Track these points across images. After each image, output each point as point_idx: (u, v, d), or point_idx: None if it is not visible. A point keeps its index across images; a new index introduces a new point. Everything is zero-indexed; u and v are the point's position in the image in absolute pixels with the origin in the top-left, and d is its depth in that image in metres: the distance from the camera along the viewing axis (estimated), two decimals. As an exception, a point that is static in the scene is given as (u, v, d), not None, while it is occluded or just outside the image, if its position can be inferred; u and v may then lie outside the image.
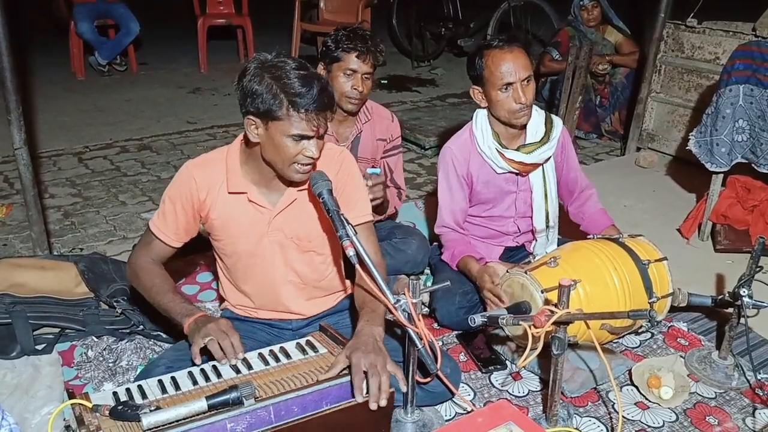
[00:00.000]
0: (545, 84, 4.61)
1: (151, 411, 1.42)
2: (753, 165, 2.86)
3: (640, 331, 2.33)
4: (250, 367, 1.67)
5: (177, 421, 1.40)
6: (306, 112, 1.63)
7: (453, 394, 1.90)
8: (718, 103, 2.86)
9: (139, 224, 3.25)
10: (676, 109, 4.03)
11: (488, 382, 2.11)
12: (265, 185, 1.83)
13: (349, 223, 1.65)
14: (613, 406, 2.00)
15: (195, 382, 1.60)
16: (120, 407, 1.45)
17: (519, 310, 1.99)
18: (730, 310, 2.09)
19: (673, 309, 2.25)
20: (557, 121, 2.38)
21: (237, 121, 1.68)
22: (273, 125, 1.66)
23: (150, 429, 1.38)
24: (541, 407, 1.99)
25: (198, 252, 2.55)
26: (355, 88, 2.37)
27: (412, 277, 2.53)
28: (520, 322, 1.72)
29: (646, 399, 2.02)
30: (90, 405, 1.47)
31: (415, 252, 2.55)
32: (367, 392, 1.53)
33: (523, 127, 2.29)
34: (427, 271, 2.69)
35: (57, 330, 2.22)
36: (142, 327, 2.26)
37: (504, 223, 2.47)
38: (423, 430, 1.83)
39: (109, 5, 5.86)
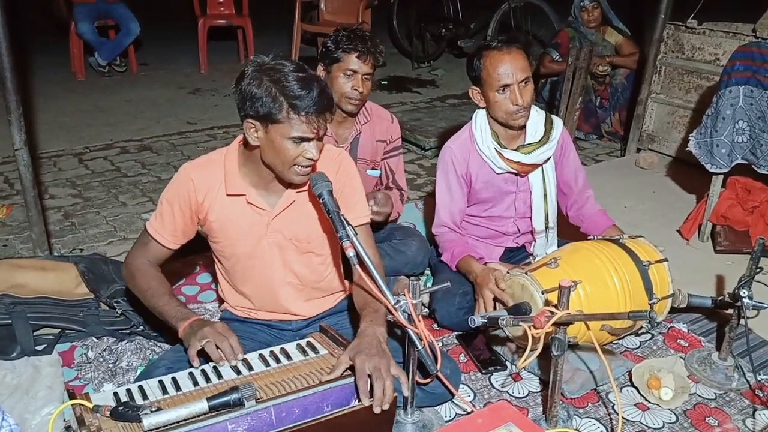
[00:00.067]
0: (545, 85, 4.62)
1: (152, 412, 1.42)
2: (753, 166, 2.86)
3: (640, 332, 2.33)
4: (250, 368, 1.67)
5: (178, 422, 1.40)
6: (306, 115, 1.63)
7: (453, 395, 1.90)
8: (718, 104, 2.86)
9: (140, 225, 3.25)
10: (676, 110, 4.03)
11: (488, 383, 2.11)
12: (264, 187, 1.83)
13: (349, 224, 1.66)
14: (613, 407, 2.00)
15: (196, 383, 1.61)
16: (121, 408, 1.45)
17: (519, 310, 1.99)
18: (730, 311, 2.09)
19: (673, 310, 2.25)
20: (557, 121, 2.38)
21: (237, 122, 1.68)
22: (273, 128, 1.66)
23: (151, 430, 1.38)
24: (541, 408, 1.99)
25: (197, 253, 2.56)
26: (355, 89, 2.37)
27: (411, 278, 2.54)
28: (520, 323, 1.72)
29: (646, 400, 2.02)
30: (91, 405, 1.47)
31: (415, 253, 2.55)
32: (372, 395, 1.53)
33: (522, 127, 2.29)
34: (427, 272, 2.69)
35: (57, 331, 2.22)
36: (142, 328, 2.26)
37: (503, 224, 2.47)
38: (423, 431, 1.83)
39: (110, 5, 5.86)
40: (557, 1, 5.55)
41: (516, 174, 2.36)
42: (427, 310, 2.42)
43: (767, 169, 2.81)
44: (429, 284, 2.61)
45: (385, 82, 6.22)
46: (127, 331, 2.27)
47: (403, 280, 2.54)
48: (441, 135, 4.29)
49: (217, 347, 1.67)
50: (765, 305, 2.04)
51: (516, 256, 2.56)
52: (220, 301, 2.13)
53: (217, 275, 2.05)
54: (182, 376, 1.63)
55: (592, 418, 1.96)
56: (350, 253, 1.61)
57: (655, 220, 3.34)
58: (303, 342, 1.80)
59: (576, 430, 1.91)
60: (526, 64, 2.19)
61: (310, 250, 1.92)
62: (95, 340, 2.24)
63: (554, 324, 1.65)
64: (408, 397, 1.80)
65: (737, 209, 2.96)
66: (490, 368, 2.15)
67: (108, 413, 1.45)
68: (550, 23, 5.57)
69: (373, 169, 2.60)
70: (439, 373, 1.69)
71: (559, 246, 2.49)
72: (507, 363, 2.18)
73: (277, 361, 1.71)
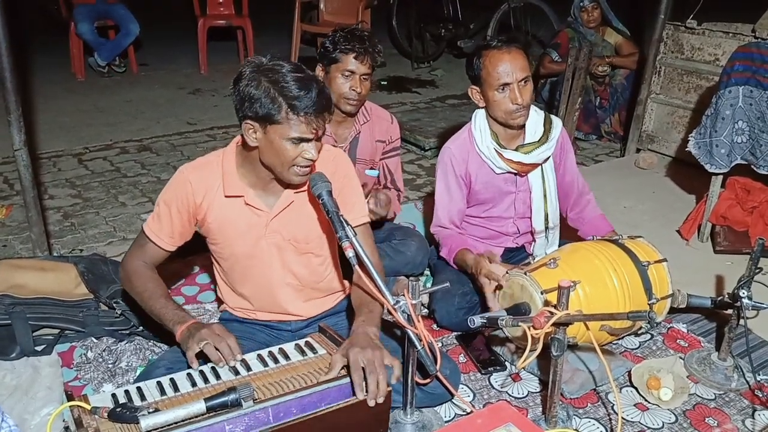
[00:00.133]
0: (545, 85, 4.62)
1: (149, 413, 1.42)
2: (752, 166, 2.86)
3: (639, 332, 2.33)
4: (248, 368, 1.67)
5: (175, 423, 1.40)
6: (305, 115, 1.63)
7: (452, 396, 1.90)
8: (718, 105, 2.86)
9: (139, 225, 3.25)
10: (676, 110, 4.03)
11: (488, 383, 2.11)
12: (262, 188, 1.83)
13: (348, 224, 1.66)
14: (612, 407, 2.00)
15: (194, 384, 1.60)
16: (118, 409, 1.45)
17: (518, 311, 1.99)
18: (730, 311, 2.09)
19: (673, 310, 2.25)
20: (556, 121, 2.38)
21: (237, 122, 1.68)
22: (272, 129, 1.66)
23: (148, 431, 1.38)
24: (541, 408, 1.99)
25: (196, 253, 2.56)
26: (353, 89, 2.37)
27: (411, 278, 2.56)
28: (520, 323, 1.72)
29: (646, 400, 2.02)
30: (89, 407, 1.47)
31: (415, 253, 2.55)
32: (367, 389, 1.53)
33: (521, 127, 2.29)
34: (427, 272, 2.69)
35: (57, 331, 2.22)
36: (141, 328, 2.26)
37: (503, 224, 2.47)
38: (422, 431, 1.84)
39: (109, 6, 5.87)
40: (557, 2, 5.55)
41: (515, 174, 2.36)
42: (426, 310, 2.41)
43: (767, 170, 2.81)
44: (428, 285, 2.61)
45: (385, 83, 6.23)
46: (127, 332, 2.27)
47: (403, 281, 2.54)
48: (440, 135, 4.30)
49: (216, 349, 1.67)
50: (764, 305, 2.04)
51: (516, 256, 2.55)
52: (219, 302, 2.13)
53: (215, 276, 2.05)
54: (180, 377, 1.63)
55: (591, 418, 1.96)
56: (349, 253, 1.61)
57: (654, 220, 3.34)
58: (302, 342, 1.80)
59: (575, 430, 1.91)
60: (526, 63, 2.19)
61: (309, 251, 1.92)
62: (95, 340, 2.24)
63: (553, 324, 1.65)
64: (407, 398, 1.80)
65: (737, 209, 2.96)
66: (489, 368, 2.15)
67: (106, 415, 1.45)
68: (550, 24, 5.56)
69: (371, 168, 2.60)
70: (438, 374, 1.69)
71: (559, 246, 2.49)
72: (506, 363, 2.18)
73: (276, 361, 1.71)
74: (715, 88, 2.96)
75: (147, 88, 5.87)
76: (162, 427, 1.39)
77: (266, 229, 1.86)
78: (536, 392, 2.07)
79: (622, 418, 1.94)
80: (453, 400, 1.96)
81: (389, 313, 1.62)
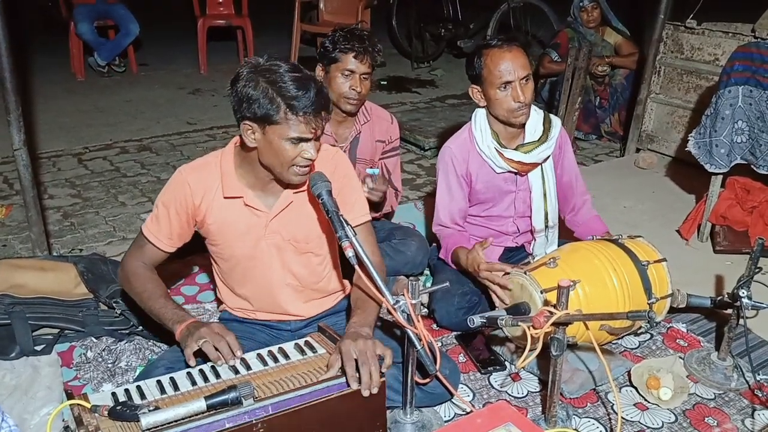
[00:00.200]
0: (545, 85, 4.62)
1: (149, 411, 1.42)
2: (752, 166, 2.86)
3: (639, 332, 2.33)
4: (248, 367, 1.67)
5: (176, 421, 1.40)
6: (304, 115, 1.63)
7: (452, 395, 1.90)
8: (718, 105, 2.86)
9: (139, 225, 3.24)
10: (676, 110, 4.03)
11: (487, 383, 2.11)
12: (261, 188, 1.83)
13: (348, 224, 1.65)
14: (612, 407, 2.00)
15: (194, 383, 1.60)
16: (119, 407, 1.45)
17: (518, 310, 1.99)
18: (730, 311, 2.09)
19: (673, 310, 2.25)
20: (556, 120, 2.38)
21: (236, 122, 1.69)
22: (270, 129, 1.66)
23: (149, 429, 1.38)
24: (540, 408, 1.99)
25: (195, 253, 2.56)
26: (353, 89, 2.37)
27: (411, 278, 2.56)
28: (519, 323, 1.72)
29: (645, 400, 2.02)
30: (89, 405, 1.47)
31: (415, 253, 2.56)
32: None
33: (522, 126, 2.29)
34: (427, 272, 2.69)
35: (56, 331, 2.22)
36: (141, 328, 2.26)
37: (503, 223, 2.47)
38: (422, 431, 1.83)
39: (109, 6, 5.87)
40: (557, 2, 5.55)
41: (516, 173, 2.36)
42: (426, 310, 2.41)
43: (766, 169, 2.81)
44: (428, 284, 2.61)
45: (385, 83, 6.23)
46: (126, 332, 2.27)
47: (403, 280, 2.54)
48: (440, 135, 4.30)
49: (215, 348, 1.67)
50: (764, 305, 2.04)
51: (515, 255, 2.56)
52: (219, 302, 2.13)
53: (214, 277, 2.05)
54: (180, 376, 1.63)
55: (591, 418, 1.96)
56: (349, 253, 1.61)
57: (654, 220, 3.34)
58: (301, 341, 1.80)
59: (575, 430, 1.91)
60: (527, 61, 2.20)
61: (308, 251, 1.92)
62: (94, 340, 2.24)
63: (553, 324, 1.65)
64: (407, 397, 1.80)
65: (736, 209, 2.97)
66: (489, 368, 2.15)
67: (106, 413, 1.45)
68: (550, 24, 5.57)
69: (371, 168, 2.60)
70: (438, 373, 1.69)
71: (559, 246, 2.49)
72: (506, 363, 2.18)
73: (275, 360, 1.71)
74: (715, 87, 2.96)
75: (147, 88, 5.87)
76: (162, 425, 1.38)
77: (266, 229, 1.85)
78: (536, 392, 2.07)
79: (622, 417, 1.94)
80: (453, 400, 1.96)
81: (389, 312, 1.62)
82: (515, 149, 2.30)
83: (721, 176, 2.96)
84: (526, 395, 2.06)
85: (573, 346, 2.08)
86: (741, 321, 1.99)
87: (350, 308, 1.90)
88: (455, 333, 2.34)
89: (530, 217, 2.43)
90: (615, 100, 4.55)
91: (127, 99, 5.49)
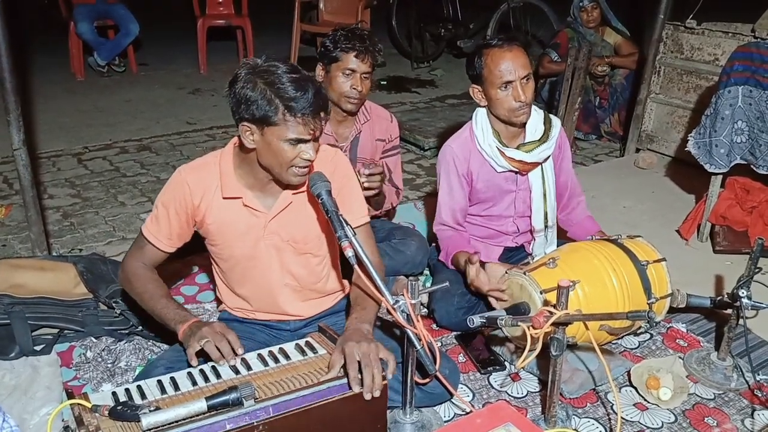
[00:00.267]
0: (544, 85, 4.62)
1: (150, 411, 1.42)
2: (752, 166, 2.86)
3: (638, 332, 2.33)
4: (249, 368, 1.67)
5: (176, 421, 1.39)
6: (302, 116, 1.63)
7: (452, 395, 1.90)
8: (717, 105, 2.86)
9: (138, 225, 3.24)
10: (676, 110, 4.03)
11: (487, 383, 2.11)
12: (260, 189, 1.83)
13: (347, 224, 1.65)
14: (611, 407, 2.00)
15: (194, 383, 1.60)
16: (119, 407, 1.45)
17: (518, 310, 1.99)
18: (729, 311, 2.09)
19: (672, 310, 2.25)
20: (555, 120, 2.38)
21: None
22: (269, 130, 1.65)
23: (149, 429, 1.38)
24: (540, 408, 1.99)
25: (195, 253, 2.56)
26: (354, 88, 2.37)
27: (411, 277, 2.56)
28: (519, 323, 1.72)
29: (645, 400, 2.02)
30: (89, 405, 1.47)
31: (414, 253, 2.56)
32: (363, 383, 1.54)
33: (523, 125, 2.30)
34: (426, 272, 2.69)
35: (56, 331, 2.22)
36: (141, 328, 2.26)
37: (503, 223, 2.47)
38: (422, 431, 1.83)
39: (109, 6, 5.87)
40: (556, 2, 5.55)
41: (516, 173, 2.36)
42: (426, 310, 2.42)
43: (766, 170, 2.81)
44: (428, 284, 2.61)
45: (385, 82, 6.23)
46: (126, 331, 2.27)
47: (402, 280, 2.54)
48: (440, 135, 4.30)
49: (217, 347, 1.67)
50: (764, 305, 2.04)
51: (515, 255, 2.56)
52: (218, 302, 2.13)
53: (214, 277, 2.05)
54: (181, 376, 1.63)
55: (590, 418, 1.96)
56: (349, 253, 1.61)
57: (654, 220, 3.34)
58: (302, 342, 1.80)
59: (575, 430, 1.91)
60: (527, 61, 2.20)
61: (307, 251, 1.92)
62: (94, 340, 2.24)
63: (553, 324, 1.65)
64: (407, 397, 1.80)
65: (736, 209, 2.97)
66: (489, 368, 2.15)
67: (106, 413, 1.45)
68: (550, 24, 5.57)
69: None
70: (437, 373, 1.69)
71: (558, 246, 2.49)
72: (506, 363, 2.18)
73: (276, 360, 1.71)
74: (715, 87, 2.96)
75: (147, 88, 5.87)
76: (163, 426, 1.38)
77: (265, 230, 1.85)
78: (535, 392, 2.08)
79: (622, 417, 1.94)
80: (452, 400, 1.96)
81: (389, 312, 1.62)
82: (516, 148, 2.30)
83: (721, 176, 2.96)
84: (526, 395, 2.06)
85: (573, 346, 2.08)
86: (741, 321, 1.99)
87: (350, 307, 1.90)
88: (455, 333, 2.34)
89: (530, 216, 2.43)
90: (615, 100, 4.55)
91: (127, 99, 5.49)
